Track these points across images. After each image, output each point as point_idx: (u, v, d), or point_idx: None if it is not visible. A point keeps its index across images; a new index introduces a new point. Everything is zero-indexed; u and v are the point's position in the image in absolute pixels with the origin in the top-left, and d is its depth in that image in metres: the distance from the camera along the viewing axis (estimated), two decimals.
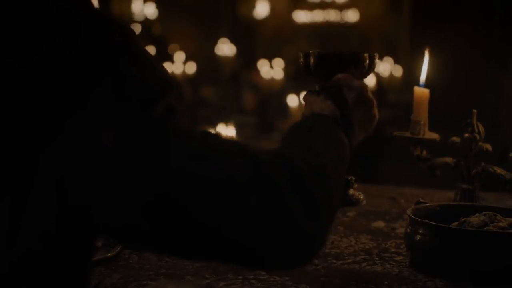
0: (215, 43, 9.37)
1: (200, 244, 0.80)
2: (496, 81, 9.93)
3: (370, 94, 1.18)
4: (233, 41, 9.52)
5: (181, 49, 9.31)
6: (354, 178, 1.34)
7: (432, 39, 9.85)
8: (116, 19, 0.80)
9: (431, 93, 1.74)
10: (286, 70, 8.67)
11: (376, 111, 1.19)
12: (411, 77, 10.26)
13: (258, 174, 0.82)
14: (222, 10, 10.52)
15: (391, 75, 9.13)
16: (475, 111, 1.69)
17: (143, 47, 0.81)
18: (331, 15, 10.32)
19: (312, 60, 1.29)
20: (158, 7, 9.39)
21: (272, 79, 8.46)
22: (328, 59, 1.28)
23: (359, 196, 1.31)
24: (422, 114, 1.74)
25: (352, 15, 10.24)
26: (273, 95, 8.07)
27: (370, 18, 10.42)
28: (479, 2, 9.98)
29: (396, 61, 9.40)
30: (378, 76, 8.94)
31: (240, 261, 0.85)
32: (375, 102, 1.19)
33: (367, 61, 1.27)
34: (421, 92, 1.75)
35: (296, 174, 0.86)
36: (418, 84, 1.78)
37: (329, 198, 0.89)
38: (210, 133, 0.85)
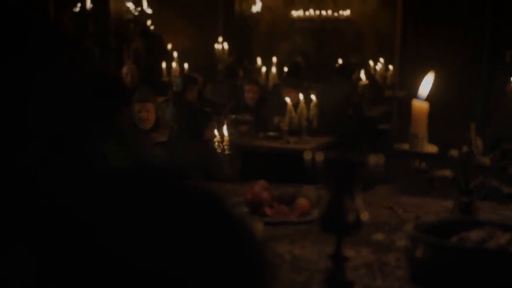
0: (211, 40, 9.37)
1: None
2: (487, 77, 10.00)
3: None
4: (228, 38, 9.53)
5: (176, 46, 9.31)
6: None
7: (424, 36, 9.85)
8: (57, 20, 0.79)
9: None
10: (281, 66, 8.70)
11: None
12: (404, 72, 10.35)
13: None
14: (218, 7, 10.52)
15: (384, 71, 9.16)
16: (473, 125, 1.72)
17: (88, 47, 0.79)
18: (326, 11, 10.33)
19: (319, 163, 1.33)
20: (153, 4, 9.39)
21: (268, 75, 8.47)
22: (335, 163, 1.31)
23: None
24: (420, 127, 1.76)
25: (346, 12, 10.26)
26: (269, 91, 8.08)
27: (364, 15, 10.44)
28: (472, 1, 10.04)
29: (390, 57, 9.43)
30: (371, 72, 8.97)
31: None
32: None
33: (373, 164, 1.31)
34: (420, 105, 1.77)
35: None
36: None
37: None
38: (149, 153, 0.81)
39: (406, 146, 1.80)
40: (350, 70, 7.98)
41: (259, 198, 1.94)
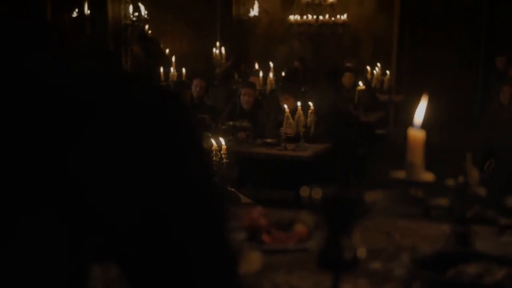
0: (209, 44, 9.37)
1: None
2: (484, 80, 10.05)
3: None
4: (226, 42, 9.52)
5: (174, 50, 9.32)
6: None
7: (421, 41, 9.89)
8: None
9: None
10: (278, 70, 8.70)
11: None
12: (401, 77, 10.38)
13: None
14: (215, 11, 10.52)
15: (381, 76, 9.19)
16: (470, 154, 1.73)
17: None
18: (323, 15, 10.33)
19: (316, 200, 1.34)
20: (151, 8, 9.39)
21: (266, 80, 8.48)
22: (333, 201, 1.33)
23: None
24: (417, 156, 1.77)
25: (343, 16, 10.27)
26: (266, 96, 8.09)
27: (361, 20, 10.46)
28: (467, 7, 10.08)
29: (387, 62, 9.45)
30: (368, 77, 8.98)
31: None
32: None
33: (370, 201, 1.32)
34: (416, 134, 1.78)
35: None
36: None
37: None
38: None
39: (402, 174, 1.80)
40: (336, 75, 8.01)
41: (256, 225, 1.95)
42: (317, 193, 1.38)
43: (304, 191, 1.42)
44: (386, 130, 8.85)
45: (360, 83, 8.10)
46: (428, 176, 1.77)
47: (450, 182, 1.74)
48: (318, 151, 6.34)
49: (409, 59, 10.25)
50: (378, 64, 9.20)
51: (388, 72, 9.23)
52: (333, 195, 1.37)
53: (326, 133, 6.66)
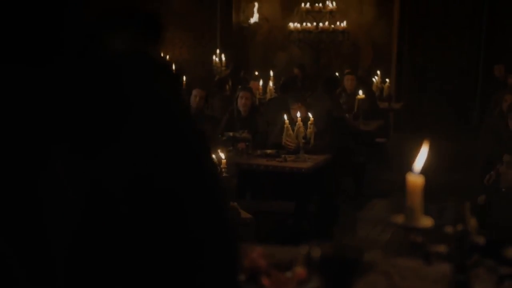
0: (209, 51, 9.36)
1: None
2: (482, 83, 10.06)
3: None
4: (226, 49, 9.52)
5: (173, 57, 9.31)
6: None
7: (420, 47, 9.87)
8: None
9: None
10: (278, 78, 8.70)
11: None
12: (400, 84, 10.38)
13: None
14: (216, 18, 10.52)
15: (380, 84, 9.18)
16: (468, 203, 1.73)
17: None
18: (323, 23, 10.33)
19: (314, 258, 1.35)
20: None
21: (266, 88, 8.47)
22: (332, 260, 1.34)
23: None
24: (415, 201, 1.77)
25: (343, 23, 10.27)
26: (265, 104, 8.09)
27: (360, 27, 10.46)
28: (467, 14, 10.09)
29: (386, 69, 9.46)
30: (368, 84, 8.98)
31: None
32: None
33: (368, 261, 1.34)
34: (415, 179, 1.78)
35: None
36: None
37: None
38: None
39: (401, 219, 1.81)
40: (335, 84, 8.01)
41: (256, 265, 1.95)
42: (316, 251, 1.39)
43: (303, 249, 1.43)
44: (386, 138, 8.85)
45: (360, 92, 8.09)
46: (427, 222, 1.77)
47: (449, 229, 1.75)
48: (318, 162, 6.33)
49: (408, 66, 10.27)
50: (378, 72, 9.21)
51: (387, 80, 9.23)
52: (331, 254, 1.38)
53: (326, 145, 6.65)
